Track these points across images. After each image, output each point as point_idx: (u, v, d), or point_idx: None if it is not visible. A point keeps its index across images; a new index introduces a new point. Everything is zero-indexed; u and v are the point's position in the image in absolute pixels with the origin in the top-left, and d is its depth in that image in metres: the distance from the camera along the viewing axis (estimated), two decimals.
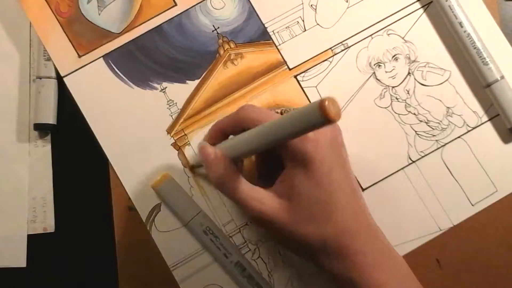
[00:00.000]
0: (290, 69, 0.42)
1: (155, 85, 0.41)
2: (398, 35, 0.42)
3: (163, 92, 0.41)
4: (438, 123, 0.41)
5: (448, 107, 0.41)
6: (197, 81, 0.42)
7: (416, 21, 0.42)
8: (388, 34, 0.42)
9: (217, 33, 0.42)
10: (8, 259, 0.41)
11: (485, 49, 0.39)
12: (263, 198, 0.33)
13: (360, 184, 0.40)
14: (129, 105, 0.41)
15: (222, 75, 0.42)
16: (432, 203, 0.40)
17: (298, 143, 0.32)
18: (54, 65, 0.41)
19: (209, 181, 0.40)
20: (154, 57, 0.41)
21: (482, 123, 0.41)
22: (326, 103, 0.25)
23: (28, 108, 0.42)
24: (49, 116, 0.41)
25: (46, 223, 0.41)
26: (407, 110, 0.41)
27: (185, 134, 0.41)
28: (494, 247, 0.40)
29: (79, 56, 0.41)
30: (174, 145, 0.41)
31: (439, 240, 0.40)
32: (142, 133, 0.41)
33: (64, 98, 0.41)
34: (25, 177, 0.41)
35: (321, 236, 0.32)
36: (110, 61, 0.41)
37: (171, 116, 0.41)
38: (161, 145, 0.41)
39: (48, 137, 0.42)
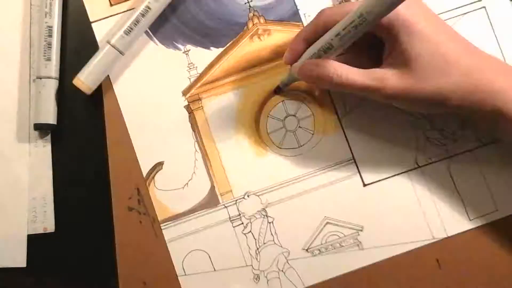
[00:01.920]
0: None
1: (179, 45, 0.42)
2: None
3: (186, 54, 0.42)
4: (452, 133, 0.41)
5: (464, 120, 0.41)
6: (221, 49, 0.42)
7: None
8: None
9: (250, 6, 0.42)
10: (8, 259, 0.40)
11: None
12: (382, 77, 0.33)
13: (362, 180, 0.40)
14: (150, 61, 0.41)
15: (246, 47, 0.42)
16: (430, 211, 0.40)
17: (392, 16, 0.32)
18: (55, 66, 0.41)
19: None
20: (184, 19, 0.42)
21: (485, 145, 0.41)
22: None
23: (28, 108, 0.41)
24: (49, 116, 0.40)
25: (46, 223, 0.41)
26: (422, 115, 0.41)
27: (200, 99, 0.41)
28: (494, 247, 0.40)
29: (111, 5, 0.42)
30: (187, 107, 0.41)
31: (439, 241, 0.40)
32: (158, 90, 0.41)
33: (65, 98, 0.41)
34: (25, 177, 0.41)
35: (453, 80, 0.32)
36: None
37: (189, 79, 0.42)
38: (174, 106, 0.41)
39: (48, 137, 0.41)
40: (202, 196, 0.41)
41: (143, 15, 0.39)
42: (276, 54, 0.42)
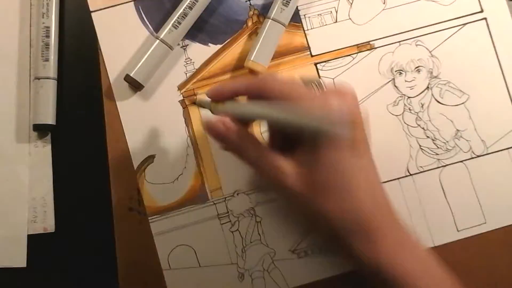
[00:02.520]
0: (312, 56, 0.42)
1: None
2: (426, 48, 0.41)
3: (184, 48, 0.42)
4: (445, 143, 0.41)
5: (458, 130, 0.41)
6: (219, 46, 0.42)
7: (447, 39, 0.41)
8: (417, 45, 0.41)
9: (250, 4, 0.42)
10: (8, 259, 0.41)
11: None
12: (283, 167, 0.32)
13: None
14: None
15: (244, 45, 0.42)
16: (419, 219, 0.40)
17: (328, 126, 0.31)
18: (53, 65, 0.41)
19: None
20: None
21: (488, 154, 0.41)
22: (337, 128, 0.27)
23: (28, 109, 0.41)
24: (48, 117, 0.40)
25: (46, 223, 0.41)
26: (417, 123, 0.41)
27: (195, 94, 0.41)
28: (494, 247, 0.40)
29: None
30: (182, 102, 0.41)
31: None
32: (153, 83, 0.41)
33: (63, 98, 0.41)
34: (25, 177, 0.41)
35: (340, 208, 0.31)
36: (140, 7, 0.42)
37: (186, 74, 0.41)
38: (169, 100, 0.41)
39: (48, 138, 0.41)
40: (191, 192, 0.41)
41: (190, 7, 0.39)
42: (275, 54, 0.41)
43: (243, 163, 0.34)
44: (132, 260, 0.40)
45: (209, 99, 0.34)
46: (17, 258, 0.40)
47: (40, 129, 0.41)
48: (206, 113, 0.40)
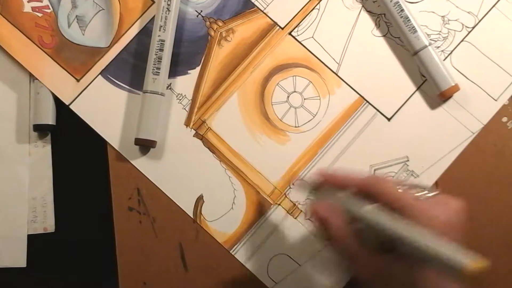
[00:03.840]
0: (282, 29, 0.42)
1: None
2: None
3: (169, 89, 0.41)
4: (438, 33, 0.41)
5: (442, 16, 0.42)
6: (198, 68, 0.42)
7: None
8: None
9: (202, 16, 0.42)
10: (8, 259, 0.40)
11: (412, 17, 0.39)
12: (371, 266, 0.31)
13: (385, 116, 0.41)
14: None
15: (220, 54, 0.42)
16: (457, 113, 0.41)
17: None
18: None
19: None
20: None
21: (480, 20, 0.41)
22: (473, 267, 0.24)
23: (28, 109, 0.41)
24: (48, 117, 0.41)
25: (46, 223, 0.41)
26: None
27: (204, 122, 0.41)
28: (494, 247, 0.40)
29: (78, 80, 0.41)
30: (197, 135, 0.41)
31: None
32: (162, 135, 0.41)
33: None
34: (25, 177, 0.41)
35: None
36: (108, 76, 0.41)
37: (185, 109, 0.41)
38: (184, 140, 0.41)
39: (48, 138, 0.42)
40: (252, 207, 0.40)
41: (161, 49, 0.39)
42: (250, 46, 0.42)
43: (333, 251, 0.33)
44: (132, 260, 0.40)
45: (308, 184, 0.35)
46: (17, 258, 0.40)
47: (40, 129, 0.41)
48: (224, 132, 0.40)
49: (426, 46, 0.39)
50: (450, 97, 0.40)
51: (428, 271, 0.29)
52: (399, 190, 0.31)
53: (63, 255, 0.41)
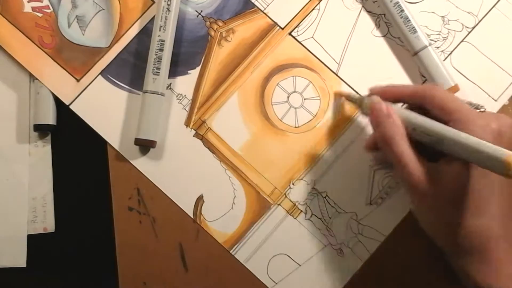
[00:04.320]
0: (282, 29, 0.42)
1: None
2: None
3: (170, 89, 0.41)
4: (438, 34, 0.41)
5: (442, 16, 0.42)
6: (198, 69, 0.42)
7: None
8: None
9: (202, 16, 0.42)
10: (8, 259, 0.40)
11: (412, 17, 0.40)
12: (423, 171, 0.32)
13: None
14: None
15: (220, 54, 0.42)
16: None
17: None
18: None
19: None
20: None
21: (480, 21, 0.41)
22: None
23: (29, 109, 0.41)
24: (49, 117, 0.40)
25: (46, 223, 0.41)
26: None
27: (204, 122, 0.41)
28: None
29: (78, 80, 0.41)
30: (197, 135, 0.41)
31: None
32: (162, 135, 0.41)
33: None
34: (25, 177, 0.41)
35: (464, 228, 0.31)
36: (109, 76, 0.41)
37: (185, 109, 0.41)
38: (184, 140, 0.41)
39: (48, 138, 0.42)
40: (252, 207, 0.40)
41: (161, 49, 0.39)
42: (250, 46, 0.42)
43: (386, 150, 0.34)
44: (132, 260, 0.40)
45: (360, 96, 0.37)
46: (17, 258, 0.40)
47: (41, 129, 0.41)
48: (224, 133, 0.40)
49: (426, 46, 0.39)
50: None
51: (476, 169, 0.31)
52: (453, 101, 0.32)
53: (63, 255, 0.41)
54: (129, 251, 0.40)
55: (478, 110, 0.35)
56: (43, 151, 0.42)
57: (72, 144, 0.42)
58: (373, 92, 0.36)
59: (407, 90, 0.35)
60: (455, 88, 0.39)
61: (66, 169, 0.41)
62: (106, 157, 0.41)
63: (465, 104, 0.33)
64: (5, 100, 0.41)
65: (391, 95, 0.35)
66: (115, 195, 0.40)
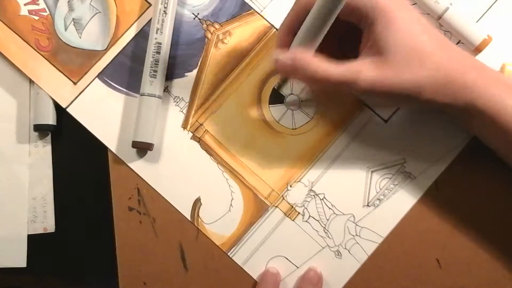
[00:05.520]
0: None
1: None
2: None
3: (167, 91, 0.41)
4: None
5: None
6: (195, 71, 0.42)
7: None
8: None
9: (199, 19, 0.42)
10: (8, 259, 0.41)
11: None
12: (357, 69, 0.32)
13: (381, 117, 0.41)
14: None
15: (216, 57, 0.42)
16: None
17: (369, 3, 0.32)
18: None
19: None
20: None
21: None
22: None
23: (29, 109, 0.42)
24: (49, 117, 0.41)
25: (46, 223, 0.41)
26: None
27: (201, 124, 0.41)
28: (494, 247, 0.39)
29: (75, 84, 0.41)
30: (194, 138, 0.41)
31: (439, 240, 0.39)
32: (159, 137, 0.41)
33: None
34: (25, 177, 0.41)
35: (428, 72, 0.32)
36: (105, 79, 0.41)
37: (182, 111, 0.41)
38: (182, 142, 0.41)
39: (48, 138, 0.42)
40: (249, 209, 0.40)
41: (158, 52, 0.39)
42: (247, 49, 0.42)
43: (318, 83, 0.34)
44: (132, 260, 0.40)
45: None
46: (17, 258, 0.41)
47: (41, 129, 0.41)
48: (222, 135, 0.40)
49: (448, 8, 0.38)
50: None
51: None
52: None
53: (63, 255, 0.41)
54: (129, 251, 0.40)
55: None
56: (43, 151, 0.42)
57: (72, 144, 0.42)
58: (277, 45, 0.36)
59: (291, 15, 0.34)
60: (488, 41, 0.38)
61: (66, 169, 0.42)
62: (106, 157, 0.41)
63: None
64: (5, 100, 0.42)
65: (288, 34, 0.34)
66: (115, 195, 0.40)
